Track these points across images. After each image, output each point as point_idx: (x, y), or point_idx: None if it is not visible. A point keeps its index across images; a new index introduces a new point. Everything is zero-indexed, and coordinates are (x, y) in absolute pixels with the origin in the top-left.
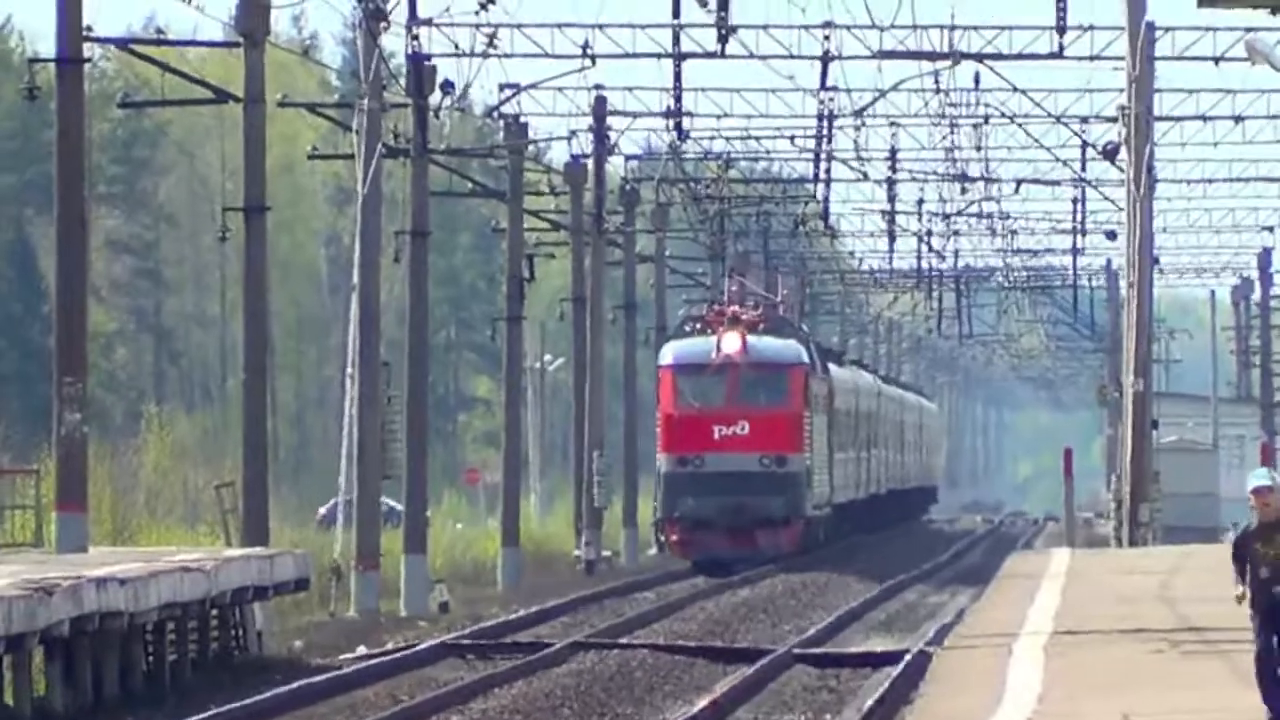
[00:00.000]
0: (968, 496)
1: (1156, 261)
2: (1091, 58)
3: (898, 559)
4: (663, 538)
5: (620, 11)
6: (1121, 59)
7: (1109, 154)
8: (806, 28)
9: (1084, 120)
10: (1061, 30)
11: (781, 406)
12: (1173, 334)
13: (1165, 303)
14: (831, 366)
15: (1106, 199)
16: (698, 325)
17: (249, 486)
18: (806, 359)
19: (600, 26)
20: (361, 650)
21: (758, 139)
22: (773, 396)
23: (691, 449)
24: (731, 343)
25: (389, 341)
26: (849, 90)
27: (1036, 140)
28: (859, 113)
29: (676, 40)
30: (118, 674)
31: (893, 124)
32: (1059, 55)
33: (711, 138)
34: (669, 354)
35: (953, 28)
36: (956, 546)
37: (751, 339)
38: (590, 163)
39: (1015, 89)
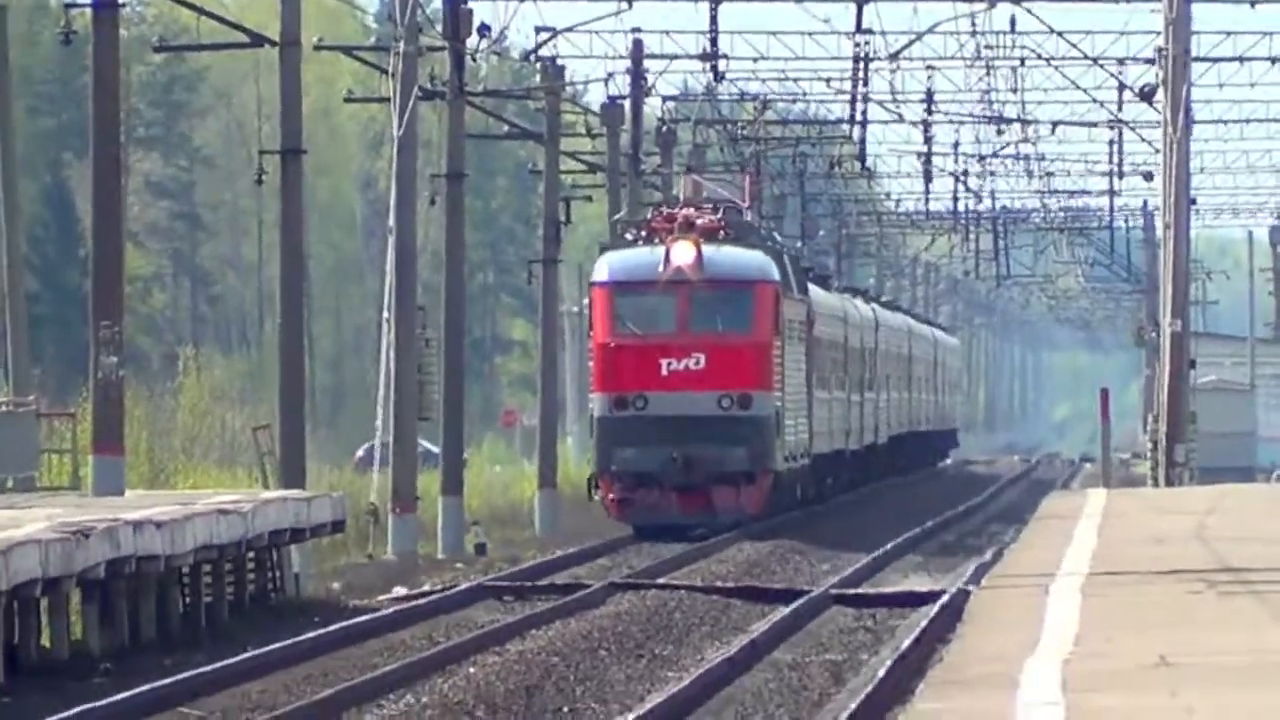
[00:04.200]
0: (1004, 439)
1: (1194, 202)
2: None
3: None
4: (597, 495)
5: None
6: (1158, 0)
7: (1146, 95)
8: None
9: (1121, 62)
10: None
11: (745, 333)
12: (1210, 275)
13: (1202, 243)
14: (813, 288)
15: (1143, 140)
16: (641, 233)
17: (286, 429)
18: (777, 275)
19: None
20: (399, 592)
21: (794, 80)
22: (734, 321)
23: (632, 387)
24: (683, 254)
25: (425, 285)
26: (885, 33)
27: (1073, 82)
28: (895, 55)
29: None
30: (154, 616)
31: (929, 66)
32: None
33: (748, 79)
34: (604, 268)
35: None
36: (989, 490)
37: (708, 249)
38: (627, 104)
39: (1052, 30)
